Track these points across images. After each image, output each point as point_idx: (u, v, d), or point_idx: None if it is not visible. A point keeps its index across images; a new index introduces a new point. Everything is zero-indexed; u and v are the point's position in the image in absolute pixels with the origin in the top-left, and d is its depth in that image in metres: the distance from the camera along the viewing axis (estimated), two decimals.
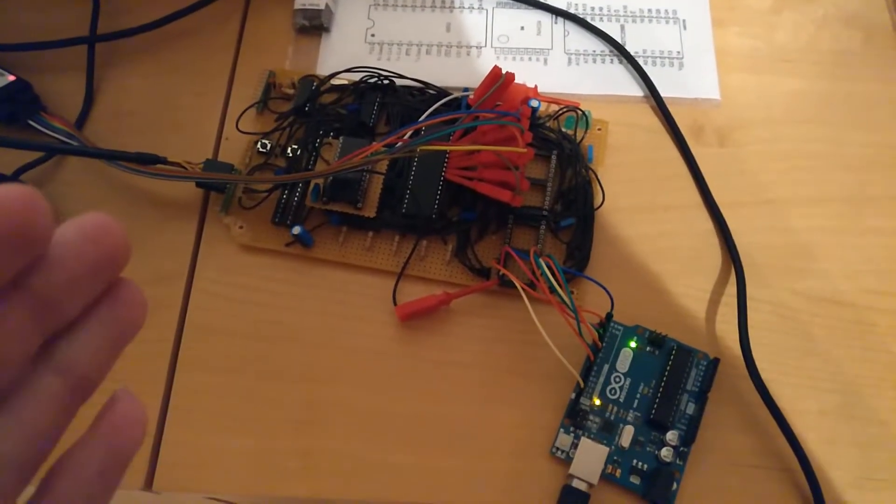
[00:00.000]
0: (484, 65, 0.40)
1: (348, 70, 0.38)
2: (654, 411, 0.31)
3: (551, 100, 0.37)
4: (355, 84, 0.37)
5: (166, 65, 0.40)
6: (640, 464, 0.31)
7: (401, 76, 0.37)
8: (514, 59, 0.40)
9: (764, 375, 0.31)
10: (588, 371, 0.32)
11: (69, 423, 0.13)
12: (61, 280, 0.12)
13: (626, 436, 0.31)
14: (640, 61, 0.39)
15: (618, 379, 0.32)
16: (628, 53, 0.39)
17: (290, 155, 0.36)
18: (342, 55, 0.40)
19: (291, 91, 0.38)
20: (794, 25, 0.41)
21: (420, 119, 0.35)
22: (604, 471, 0.30)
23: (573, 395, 0.32)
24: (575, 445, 0.31)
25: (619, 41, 0.40)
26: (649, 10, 0.41)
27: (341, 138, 0.35)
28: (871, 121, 0.39)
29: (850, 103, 0.39)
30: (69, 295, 0.13)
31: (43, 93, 0.38)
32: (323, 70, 0.39)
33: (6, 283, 0.12)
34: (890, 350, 0.33)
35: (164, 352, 0.33)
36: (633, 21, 0.41)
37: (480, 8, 0.41)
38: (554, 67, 0.40)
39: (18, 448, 0.12)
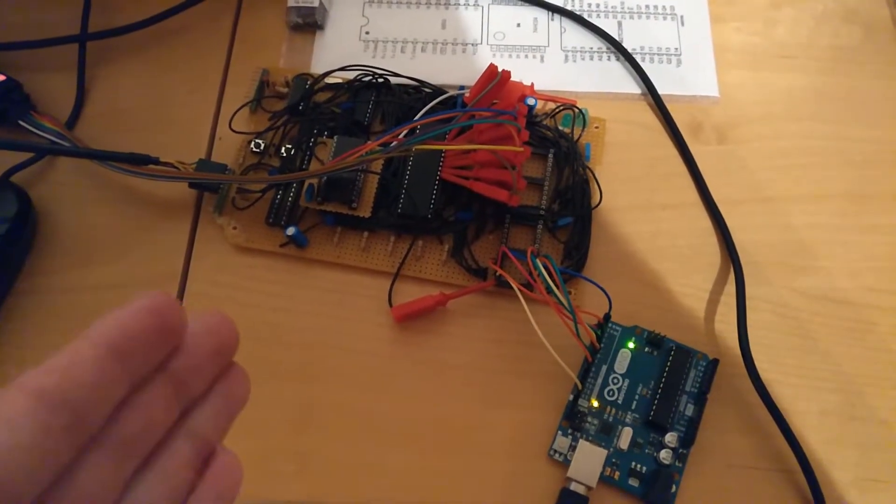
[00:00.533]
0: (480, 62, 0.39)
1: (343, 68, 0.37)
2: (652, 413, 0.31)
3: (548, 97, 0.37)
4: (350, 82, 0.37)
5: (158, 63, 0.40)
6: (638, 466, 0.30)
7: (396, 74, 0.37)
8: (510, 56, 0.40)
9: (764, 376, 0.31)
10: (586, 372, 0.31)
11: (196, 479, 0.16)
12: (193, 363, 0.16)
13: (625, 438, 0.31)
14: (638, 58, 0.39)
15: (616, 380, 0.32)
16: (626, 50, 0.39)
17: (284, 154, 0.36)
18: (336, 53, 0.39)
19: (285, 90, 0.38)
20: (794, 21, 0.41)
21: (415, 118, 0.35)
22: (602, 473, 0.30)
23: (571, 397, 0.31)
24: (573, 448, 0.30)
25: (617, 38, 0.40)
26: (647, 7, 0.41)
27: (336, 137, 0.35)
28: (871, 117, 0.38)
29: (850, 99, 0.39)
30: (198, 375, 0.16)
31: (33, 92, 0.37)
32: (317, 68, 0.39)
33: (156, 367, 0.15)
34: (891, 349, 0.33)
35: None
36: (631, 17, 0.40)
37: (476, 4, 0.41)
38: (551, 65, 0.39)
39: (163, 499, 0.15)
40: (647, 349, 0.32)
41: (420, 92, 0.37)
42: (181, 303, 0.16)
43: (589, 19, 0.40)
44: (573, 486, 0.29)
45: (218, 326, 0.17)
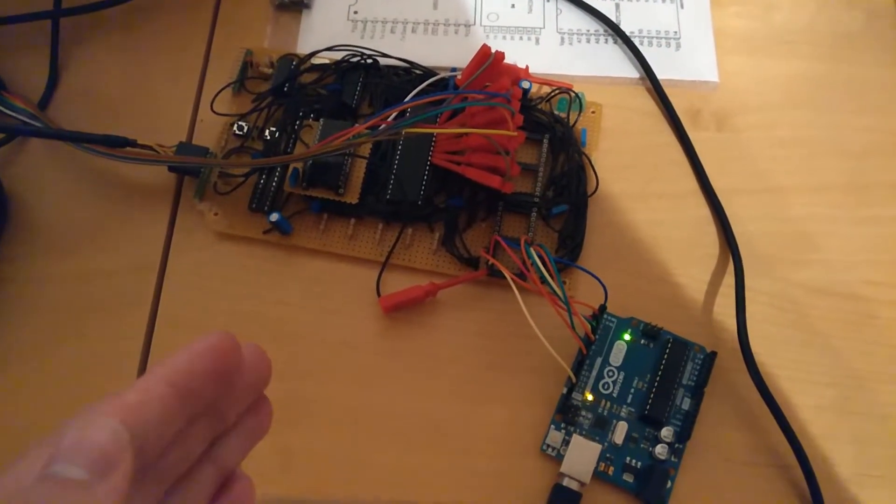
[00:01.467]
0: (473, 44, 0.38)
1: (330, 48, 0.36)
2: (648, 407, 0.30)
3: (543, 81, 0.36)
4: (337, 63, 0.36)
5: (137, 41, 0.38)
6: (633, 461, 0.29)
7: (385, 55, 0.36)
8: (504, 37, 0.38)
9: (762, 369, 0.30)
10: (580, 365, 0.30)
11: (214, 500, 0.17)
12: (232, 396, 0.17)
13: (620, 432, 0.30)
14: (636, 41, 0.38)
15: (611, 373, 0.31)
16: (623, 33, 0.38)
17: (268, 137, 0.34)
18: (323, 33, 0.38)
19: (270, 70, 0.36)
20: (794, 5, 0.40)
21: (405, 100, 0.33)
22: (596, 469, 0.29)
23: (565, 390, 0.30)
24: (566, 442, 0.29)
25: (614, 20, 0.38)
26: None
27: (322, 120, 0.34)
28: (871, 105, 0.37)
29: (851, 87, 0.38)
30: (234, 406, 0.17)
31: (3, 71, 0.36)
32: (303, 48, 0.37)
33: (209, 406, 0.16)
34: (889, 343, 0.32)
35: (135, 349, 0.31)
36: None
37: None
38: (546, 47, 0.38)
39: None
40: (643, 341, 0.31)
41: (410, 74, 0.36)
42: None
43: (586, 1, 0.39)
44: (566, 482, 0.29)
45: (258, 362, 0.17)
